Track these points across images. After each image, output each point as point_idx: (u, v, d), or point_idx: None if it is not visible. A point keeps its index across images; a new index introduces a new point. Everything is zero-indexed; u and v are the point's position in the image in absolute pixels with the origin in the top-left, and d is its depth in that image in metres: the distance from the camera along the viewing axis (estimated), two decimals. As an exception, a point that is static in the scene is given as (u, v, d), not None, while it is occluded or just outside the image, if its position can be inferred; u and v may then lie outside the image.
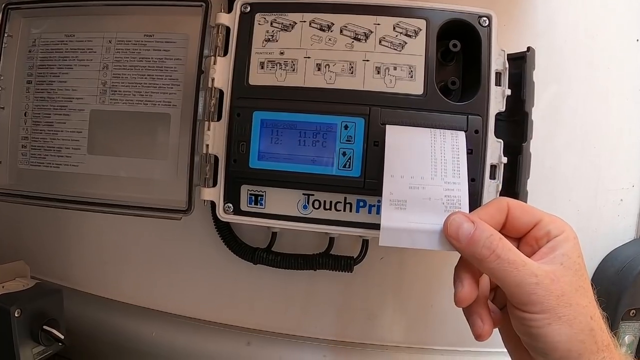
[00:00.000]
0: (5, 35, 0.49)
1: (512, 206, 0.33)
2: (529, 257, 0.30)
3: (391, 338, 0.50)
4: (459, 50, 0.44)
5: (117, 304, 0.55)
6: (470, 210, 0.35)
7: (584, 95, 0.50)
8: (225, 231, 0.48)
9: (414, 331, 0.50)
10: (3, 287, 0.48)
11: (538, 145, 0.42)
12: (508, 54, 0.43)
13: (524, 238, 0.33)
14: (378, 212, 0.41)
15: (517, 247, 0.31)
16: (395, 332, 0.50)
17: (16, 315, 0.46)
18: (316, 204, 0.41)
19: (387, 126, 0.39)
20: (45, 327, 0.47)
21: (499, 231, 0.31)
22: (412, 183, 0.36)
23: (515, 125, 0.44)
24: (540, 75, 0.44)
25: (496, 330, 0.49)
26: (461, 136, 0.39)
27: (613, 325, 0.48)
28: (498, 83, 0.42)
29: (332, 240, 0.47)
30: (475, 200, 0.41)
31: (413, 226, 0.35)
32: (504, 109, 0.42)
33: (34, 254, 0.52)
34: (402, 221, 0.34)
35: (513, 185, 0.43)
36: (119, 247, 0.55)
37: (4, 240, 0.59)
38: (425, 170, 0.36)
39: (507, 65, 0.42)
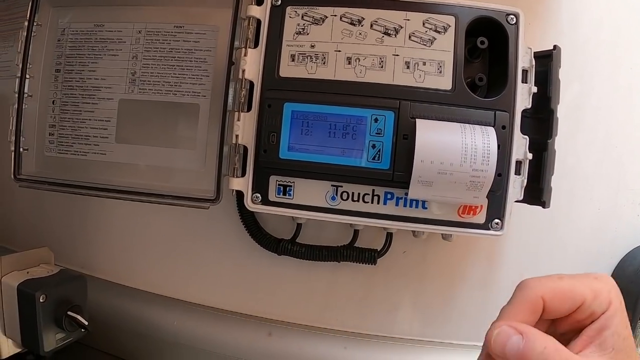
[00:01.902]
0: (35, 24, 0.49)
1: (548, 298, 0.28)
2: (570, 337, 0.27)
3: (411, 332, 0.51)
4: (486, 48, 0.44)
5: (140, 292, 0.55)
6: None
7: (606, 94, 0.50)
8: (250, 222, 0.49)
9: (434, 325, 0.51)
10: (28, 272, 0.49)
11: (560, 144, 0.43)
12: (534, 52, 0.43)
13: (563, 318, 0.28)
14: (405, 204, 0.42)
15: (554, 326, 0.28)
16: (415, 326, 0.51)
17: (41, 300, 0.46)
18: (344, 196, 0.42)
19: (418, 121, 0.40)
20: (69, 312, 0.47)
21: None
22: (441, 169, 0.37)
23: (540, 122, 0.45)
24: (563, 74, 0.44)
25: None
26: (491, 132, 0.39)
27: (632, 323, 0.49)
28: (525, 80, 0.43)
29: (356, 232, 0.47)
30: (501, 196, 0.42)
31: (437, 199, 0.39)
32: (530, 106, 0.43)
33: (58, 241, 0.52)
34: (427, 194, 0.39)
35: (537, 182, 0.43)
36: (143, 236, 0.56)
37: (29, 227, 0.60)
38: (456, 158, 0.37)
39: (533, 63, 0.43)
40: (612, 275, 0.51)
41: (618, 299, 0.27)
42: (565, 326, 0.28)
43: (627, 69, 0.50)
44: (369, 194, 0.41)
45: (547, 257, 0.50)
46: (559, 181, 0.44)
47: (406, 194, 0.41)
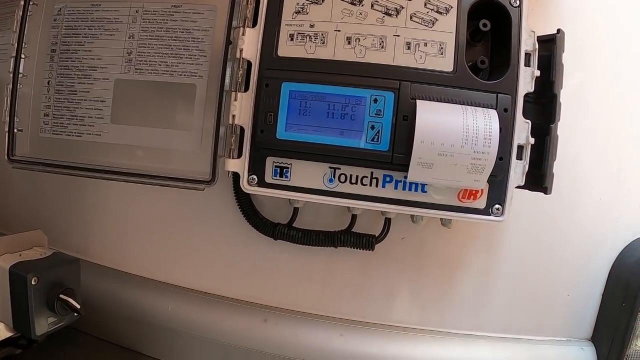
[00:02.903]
0: (31, 3, 0.49)
1: None
2: None
3: (408, 320, 0.50)
4: (488, 31, 0.43)
5: (134, 277, 0.54)
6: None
7: (608, 84, 0.50)
8: (247, 206, 0.48)
9: (431, 314, 0.50)
10: (20, 255, 0.48)
11: (562, 133, 0.42)
12: (537, 37, 0.43)
13: None
14: (404, 188, 0.41)
15: None
16: (413, 314, 0.50)
17: (33, 282, 0.45)
18: (342, 178, 0.41)
19: (418, 101, 0.39)
20: (61, 295, 0.46)
21: None
22: (442, 150, 0.36)
23: (542, 107, 0.44)
24: (566, 63, 0.43)
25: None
26: (493, 113, 0.39)
27: (632, 314, 0.48)
28: (527, 64, 0.42)
29: (354, 217, 0.47)
30: (502, 181, 0.41)
31: (437, 182, 0.38)
32: (532, 90, 0.42)
33: (51, 225, 0.52)
34: (427, 177, 0.38)
35: (539, 168, 0.43)
36: (138, 221, 0.55)
37: (22, 211, 0.59)
38: (457, 139, 0.36)
39: (536, 46, 0.42)
40: (613, 266, 0.51)
41: None
42: None
43: (630, 59, 0.50)
44: (367, 177, 0.41)
45: (547, 246, 0.50)
46: (560, 170, 0.43)
47: (405, 177, 0.40)
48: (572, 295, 0.51)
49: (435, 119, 0.37)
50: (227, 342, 0.50)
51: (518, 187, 0.42)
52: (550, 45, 0.44)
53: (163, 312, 0.52)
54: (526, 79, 0.42)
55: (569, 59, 0.44)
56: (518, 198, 0.42)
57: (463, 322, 0.50)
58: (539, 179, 0.43)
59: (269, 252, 0.50)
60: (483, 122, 0.38)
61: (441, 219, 0.45)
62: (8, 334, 0.49)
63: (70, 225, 0.57)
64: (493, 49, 0.45)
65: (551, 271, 0.50)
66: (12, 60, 0.48)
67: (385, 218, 0.46)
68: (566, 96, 0.44)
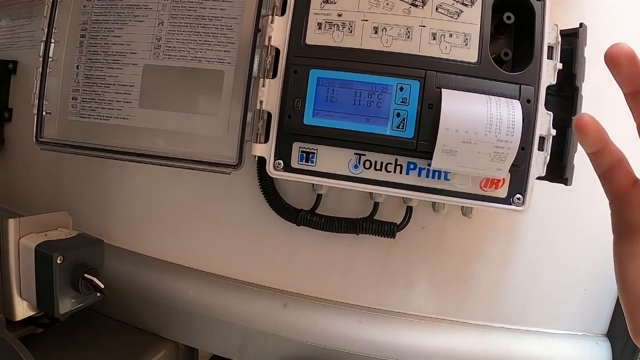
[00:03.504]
0: (61, -11, 0.50)
1: None
2: None
3: (427, 309, 0.50)
4: (512, 24, 0.44)
5: (156, 261, 0.55)
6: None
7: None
8: (270, 192, 0.49)
9: (449, 303, 0.50)
10: (46, 235, 0.49)
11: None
12: (560, 30, 0.43)
13: None
14: (428, 175, 0.42)
15: None
16: (431, 303, 0.50)
17: (58, 261, 0.46)
18: (367, 164, 0.42)
19: (443, 90, 0.40)
20: (86, 275, 0.47)
21: None
22: (466, 138, 0.37)
23: (564, 100, 0.44)
24: (587, 57, 0.44)
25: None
26: (517, 104, 0.39)
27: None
28: (550, 56, 0.43)
29: (376, 205, 0.47)
30: (523, 171, 0.42)
31: (460, 169, 0.39)
32: (554, 82, 0.43)
33: (75, 209, 0.52)
34: (450, 164, 0.39)
35: (559, 159, 0.43)
36: (161, 205, 0.56)
37: (47, 194, 0.60)
38: (480, 127, 0.37)
39: (559, 40, 0.43)
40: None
41: None
42: None
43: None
44: (391, 164, 0.41)
45: (566, 239, 0.50)
46: (580, 164, 0.44)
47: (429, 164, 0.41)
48: (589, 290, 0.51)
49: (460, 107, 0.38)
50: (246, 326, 0.51)
51: (539, 178, 0.42)
52: (572, 39, 0.44)
53: (183, 295, 0.52)
54: (549, 72, 0.42)
55: (590, 54, 0.45)
56: (538, 190, 0.43)
57: (480, 313, 0.51)
58: (559, 170, 0.43)
59: (291, 238, 0.51)
60: (507, 111, 0.39)
61: (462, 209, 0.46)
62: (31, 313, 0.50)
63: (94, 208, 0.58)
64: (516, 42, 0.45)
65: (569, 265, 0.50)
66: (42, 44, 0.49)
67: (407, 206, 0.47)
68: (587, 91, 0.45)
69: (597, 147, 0.25)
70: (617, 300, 0.51)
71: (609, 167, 0.25)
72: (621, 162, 0.26)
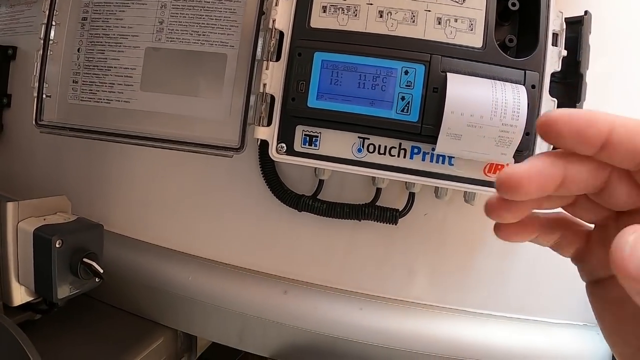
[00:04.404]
0: (63, -28, 0.49)
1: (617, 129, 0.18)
2: None
3: (428, 297, 0.50)
4: (517, 11, 0.44)
5: (155, 247, 0.55)
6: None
7: (634, 70, 0.50)
8: (272, 177, 0.49)
9: (450, 291, 0.50)
10: (45, 219, 0.48)
11: (586, 115, 0.43)
12: (565, 18, 0.43)
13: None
14: (432, 160, 0.42)
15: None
16: (432, 291, 0.50)
17: (57, 245, 0.46)
18: (371, 148, 0.41)
19: (449, 73, 0.39)
20: (85, 259, 0.46)
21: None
22: (471, 121, 0.37)
23: (568, 87, 0.45)
24: (592, 46, 0.44)
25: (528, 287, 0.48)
26: (522, 89, 0.39)
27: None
28: (555, 43, 0.43)
29: (378, 190, 0.47)
30: (527, 156, 0.42)
31: (465, 154, 0.39)
32: (559, 69, 0.43)
33: (74, 194, 0.52)
34: (455, 148, 0.38)
35: (563, 147, 0.43)
36: (161, 191, 0.55)
37: (47, 178, 0.60)
38: (486, 111, 0.37)
39: (564, 27, 0.43)
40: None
41: None
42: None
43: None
44: (395, 148, 0.41)
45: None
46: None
47: (433, 149, 0.40)
48: (589, 280, 0.51)
49: (466, 91, 0.38)
50: (246, 313, 0.51)
51: (542, 164, 0.42)
52: (577, 27, 0.44)
53: (183, 282, 0.52)
54: (553, 58, 0.42)
55: (595, 44, 0.45)
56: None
57: (481, 301, 0.50)
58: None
59: (292, 224, 0.51)
60: (512, 96, 0.38)
61: (464, 195, 0.46)
62: (29, 298, 0.49)
63: (93, 194, 0.57)
64: (521, 29, 0.45)
65: (570, 254, 0.50)
66: (43, 27, 0.49)
67: (410, 192, 0.47)
68: (591, 81, 0.45)
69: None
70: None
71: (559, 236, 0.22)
72: (565, 224, 0.21)
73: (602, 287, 0.21)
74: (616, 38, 0.50)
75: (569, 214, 0.22)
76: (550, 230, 0.21)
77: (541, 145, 0.42)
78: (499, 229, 0.21)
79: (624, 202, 0.19)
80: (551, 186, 0.18)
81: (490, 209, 0.20)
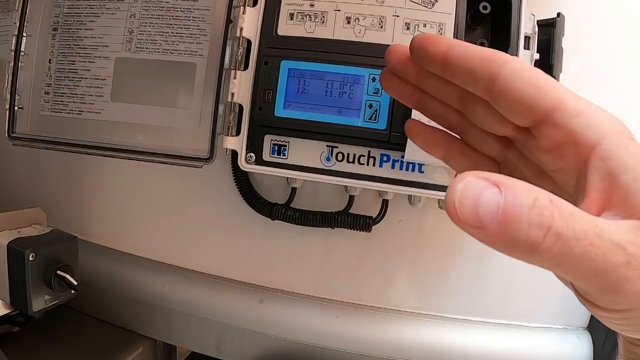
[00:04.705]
0: (33, -18, 0.49)
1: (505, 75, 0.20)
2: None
3: (405, 303, 0.50)
4: (488, 14, 0.44)
5: (132, 257, 0.54)
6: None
7: (611, 70, 0.50)
8: (245, 186, 0.48)
9: (428, 298, 0.50)
10: (19, 232, 0.48)
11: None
12: (537, 21, 0.43)
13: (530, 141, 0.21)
14: (401, 167, 0.41)
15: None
16: (409, 298, 0.50)
17: (30, 258, 0.45)
18: (339, 157, 0.41)
19: (416, 80, 0.39)
20: (58, 272, 0.46)
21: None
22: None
23: (542, 91, 0.44)
24: (567, 48, 0.43)
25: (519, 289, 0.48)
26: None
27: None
28: (527, 47, 0.42)
29: (351, 198, 0.47)
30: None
31: (433, 161, 0.37)
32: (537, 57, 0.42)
33: (50, 204, 0.51)
34: (423, 156, 0.36)
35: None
36: (136, 201, 0.55)
37: (21, 190, 0.60)
38: None
39: (536, 30, 0.42)
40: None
41: (620, 125, 0.19)
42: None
43: (634, 45, 0.49)
44: (364, 156, 0.41)
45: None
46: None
47: (402, 156, 0.40)
48: (569, 283, 0.50)
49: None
50: (223, 322, 0.50)
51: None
52: (550, 29, 0.44)
53: (160, 291, 0.52)
54: (525, 62, 0.42)
55: (571, 44, 0.44)
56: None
57: (459, 307, 0.50)
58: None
59: (267, 233, 0.50)
60: (481, 101, 0.38)
61: (438, 202, 0.45)
62: (5, 311, 0.49)
63: (69, 205, 0.57)
64: (493, 32, 0.45)
65: (548, 258, 0.50)
66: (14, 38, 0.49)
67: (383, 200, 0.46)
68: (567, 81, 0.44)
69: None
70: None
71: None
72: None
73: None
74: (592, 38, 0.49)
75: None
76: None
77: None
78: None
79: (485, 124, 0.23)
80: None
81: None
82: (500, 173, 0.16)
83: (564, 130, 0.19)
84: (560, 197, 0.16)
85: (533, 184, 0.16)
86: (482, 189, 0.15)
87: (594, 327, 0.52)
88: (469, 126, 0.25)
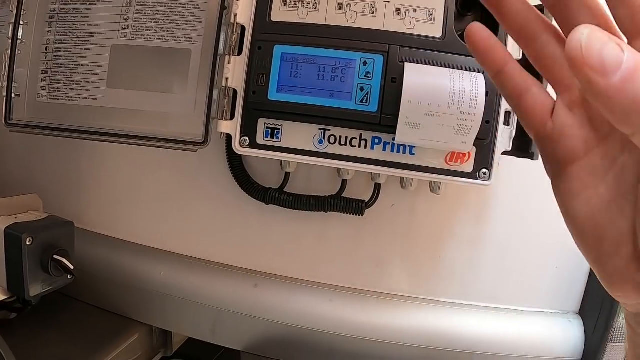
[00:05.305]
0: (30, -29, 0.49)
1: None
2: None
3: (397, 287, 0.51)
4: (478, 1, 0.44)
5: (127, 244, 0.55)
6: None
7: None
8: (239, 171, 0.49)
9: (420, 282, 0.51)
10: (16, 217, 0.49)
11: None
12: (527, 7, 0.44)
13: None
14: (393, 150, 0.42)
15: None
16: (402, 282, 0.51)
17: (27, 243, 0.46)
18: (332, 139, 0.42)
19: (406, 63, 0.40)
20: (55, 256, 0.47)
21: None
22: (428, 110, 0.37)
23: (532, 73, 0.45)
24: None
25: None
26: (480, 77, 0.39)
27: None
28: (516, 32, 0.43)
29: (344, 182, 0.47)
30: (489, 145, 0.42)
31: (425, 143, 0.39)
32: (520, 57, 0.43)
33: (46, 192, 0.52)
34: (414, 137, 0.38)
35: (526, 135, 0.43)
36: (132, 188, 0.56)
37: (17, 178, 0.60)
38: (443, 99, 0.37)
39: (525, 16, 0.43)
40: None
41: None
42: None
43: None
44: (356, 138, 0.41)
45: (536, 217, 0.50)
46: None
47: (394, 138, 0.41)
48: (560, 268, 0.51)
49: (423, 80, 0.38)
50: (218, 307, 0.51)
51: (505, 153, 0.43)
52: (538, 15, 0.45)
53: (155, 277, 0.52)
54: (514, 47, 0.42)
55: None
56: (507, 166, 0.43)
57: (451, 291, 0.51)
58: (526, 145, 0.44)
59: (261, 217, 0.51)
60: (470, 84, 0.39)
61: (430, 185, 0.46)
62: (3, 297, 0.50)
63: (65, 192, 0.58)
64: (484, 19, 0.45)
65: (540, 242, 0.50)
66: (11, 26, 0.49)
67: (375, 183, 0.47)
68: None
69: (495, 65, 0.24)
70: (589, 278, 0.52)
71: (518, 95, 0.23)
72: (531, 88, 0.23)
73: (568, 176, 0.21)
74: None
75: None
76: (517, 77, 0.24)
77: (503, 134, 0.42)
78: None
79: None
80: None
81: None
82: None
83: None
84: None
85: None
86: (606, 40, 0.15)
87: (586, 312, 0.52)
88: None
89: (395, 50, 0.41)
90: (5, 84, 0.49)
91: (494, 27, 0.43)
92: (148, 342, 0.57)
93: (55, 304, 0.55)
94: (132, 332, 0.54)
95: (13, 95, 0.49)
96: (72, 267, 0.47)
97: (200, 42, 0.46)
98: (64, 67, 0.49)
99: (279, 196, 0.48)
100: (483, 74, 0.41)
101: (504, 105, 0.42)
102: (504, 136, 0.42)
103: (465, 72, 0.40)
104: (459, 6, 0.44)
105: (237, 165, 0.49)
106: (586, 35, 0.15)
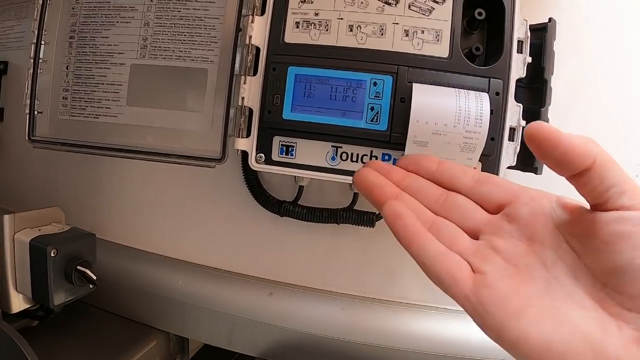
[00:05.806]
0: (50, -7, 0.51)
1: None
2: None
3: (408, 296, 0.52)
4: (484, 19, 0.46)
5: (147, 254, 0.57)
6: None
7: (604, 72, 0.52)
8: (254, 185, 0.51)
9: (431, 290, 0.52)
10: (40, 230, 0.51)
11: (556, 117, 0.44)
12: (530, 25, 0.45)
13: None
14: (402, 166, 0.43)
15: None
16: (413, 291, 0.52)
17: (52, 254, 0.48)
18: (344, 156, 0.43)
19: (414, 84, 0.42)
20: (78, 267, 0.49)
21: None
22: (436, 129, 0.39)
23: (535, 92, 0.46)
24: (561, 50, 0.46)
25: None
26: (485, 96, 0.41)
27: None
28: (520, 50, 0.45)
29: (356, 195, 0.49)
30: (494, 161, 0.44)
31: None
32: (524, 75, 0.45)
33: (68, 205, 0.54)
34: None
35: (530, 150, 0.45)
36: (151, 200, 0.58)
37: (40, 191, 0.62)
38: (449, 119, 0.39)
39: (528, 34, 0.45)
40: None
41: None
42: None
43: (626, 48, 0.52)
44: (367, 155, 0.43)
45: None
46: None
47: (403, 155, 0.42)
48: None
49: (430, 100, 0.40)
50: (235, 315, 0.53)
51: (510, 167, 0.44)
52: (542, 34, 0.46)
53: (174, 286, 0.54)
54: (518, 65, 0.44)
55: (566, 46, 0.47)
56: (512, 180, 0.44)
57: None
58: (530, 160, 0.45)
59: (275, 229, 0.53)
60: (475, 103, 0.40)
61: (437, 198, 0.48)
62: (26, 305, 0.52)
63: (86, 204, 0.60)
64: (489, 37, 0.47)
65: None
66: (33, 46, 0.51)
67: (385, 196, 0.49)
68: (561, 83, 0.46)
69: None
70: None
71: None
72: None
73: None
74: (586, 41, 0.52)
75: None
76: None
77: (507, 149, 0.44)
78: None
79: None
80: None
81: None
82: None
83: None
84: None
85: None
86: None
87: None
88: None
89: (403, 71, 0.42)
90: (28, 101, 0.51)
91: (498, 38, 0.44)
92: (165, 349, 0.59)
93: (76, 312, 0.57)
94: (150, 338, 0.56)
95: (36, 112, 0.52)
96: (94, 277, 0.49)
97: (216, 62, 0.48)
98: (85, 85, 0.51)
99: (293, 209, 0.49)
100: (488, 92, 0.43)
101: (509, 122, 0.43)
102: (509, 152, 0.44)
103: (470, 91, 0.42)
104: (465, 25, 0.46)
105: (252, 179, 0.51)
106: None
